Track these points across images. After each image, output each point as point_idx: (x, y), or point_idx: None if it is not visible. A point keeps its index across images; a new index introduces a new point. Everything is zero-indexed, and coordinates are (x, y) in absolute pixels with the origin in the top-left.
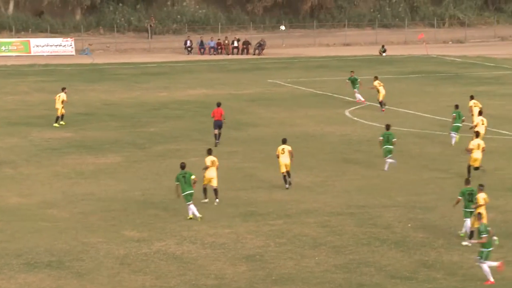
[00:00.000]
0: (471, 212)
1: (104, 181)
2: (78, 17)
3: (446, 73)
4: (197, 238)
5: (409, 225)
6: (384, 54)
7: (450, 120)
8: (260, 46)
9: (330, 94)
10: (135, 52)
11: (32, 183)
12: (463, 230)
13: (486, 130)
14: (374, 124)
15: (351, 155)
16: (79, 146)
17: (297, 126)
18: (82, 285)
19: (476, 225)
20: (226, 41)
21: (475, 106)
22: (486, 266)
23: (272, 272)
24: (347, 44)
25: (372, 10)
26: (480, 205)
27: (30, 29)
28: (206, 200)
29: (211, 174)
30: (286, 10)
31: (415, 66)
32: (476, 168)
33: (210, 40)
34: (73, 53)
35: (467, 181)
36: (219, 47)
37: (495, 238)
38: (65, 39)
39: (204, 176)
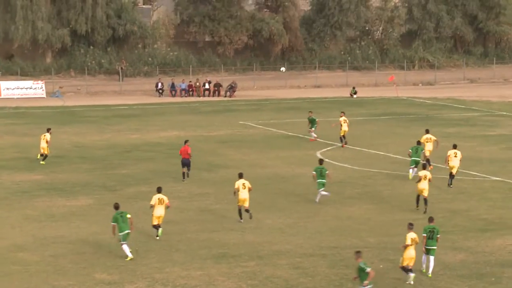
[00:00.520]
0: (431, 249)
1: (75, 223)
2: (48, 59)
3: (416, 114)
4: (169, 281)
5: (381, 266)
6: (355, 96)
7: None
8: (231, 88)
9: (301, 135)
10: (106, 95)
11: (2, 226)
12: (423, 266)
13: (460, 163)
14: (345, 165)
15: (323, 196)
16: (50, 188)
17: (268, 167)
18: None
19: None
20: (198, 83)
21: (427, 141)
22: None
23: None
24: (318, 86)
25: (342, 52)
26: (407, 245)
27: (0, 72)
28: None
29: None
30: (257, 53)
31: (386, 108)
32: (425, 200)
33: (182, 82)
34: (44, 95)
35: (430, 219)
36: (191, 89)
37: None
38: (35, 82)
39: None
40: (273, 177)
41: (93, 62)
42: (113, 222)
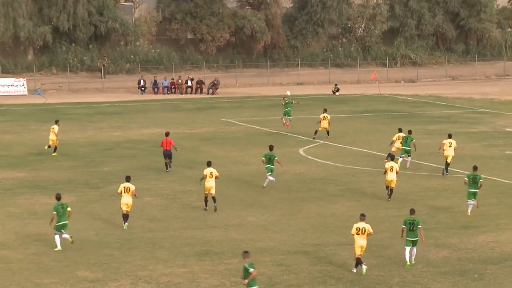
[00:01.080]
0: (412, 241)
1: None
2: (30, 57)
3: (399, 112)
4: (152, 278)
5: (364, 263)
6: (337, 93)
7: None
8: (214, 85)
9: (284, 133)
10: (88, 92)
11: None
12: (407, 261)
13: (454, 152)
14: (328, 162)
15: (306, 194)
16: (32, 186)
17: (251, 164)
18: None
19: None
20: (180, 81)
21: (397, 139)
22: None
23: None
24: (300, 83)
25: (324, 49)
26: (352, 234)
27: None
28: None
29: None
30: (239, 50)
31: (368, 105)
32: (391, 190)
33: (164, 79)
34: (26, 93)
35: (412, 211)
36: (173, 86)
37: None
38: (17, 79)
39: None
40: (256, 174)
41: (75, 59)
42: (54, 211)
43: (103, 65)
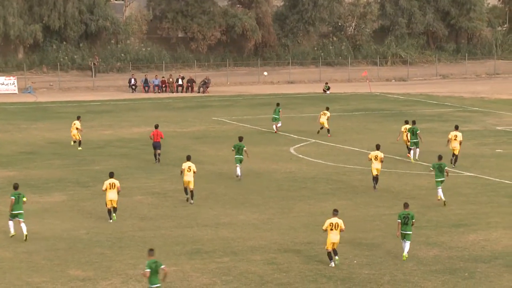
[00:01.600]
0: (405, 234)
1: (49, 220)
2: (20, 55)
3: (389, 110)
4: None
5: (355, 261)
6: (328, 91)
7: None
8: (205, 84)
9: (275, 131)
10: (79, 91)
11: None
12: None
13: (460, 145)
14: (319, 161)
15: (297, 192)
16: (23, 184)
17: (242, 163)
18: None
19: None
20: (171, 79)
21: (404, 131)
22: None
23: None
24: (291, 82)
25: (315, 48)
26: (324, 230)
27: None
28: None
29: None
30: (230, 48)
31: (359, 104)
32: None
33: (155, 78)
34: (16, 91)
35: (405, 205)
36: (164, 85)
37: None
38: (7, 78)
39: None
40: (247, 173)
41: (66, 58)
42: (12, 196)
43: (94, 64)
